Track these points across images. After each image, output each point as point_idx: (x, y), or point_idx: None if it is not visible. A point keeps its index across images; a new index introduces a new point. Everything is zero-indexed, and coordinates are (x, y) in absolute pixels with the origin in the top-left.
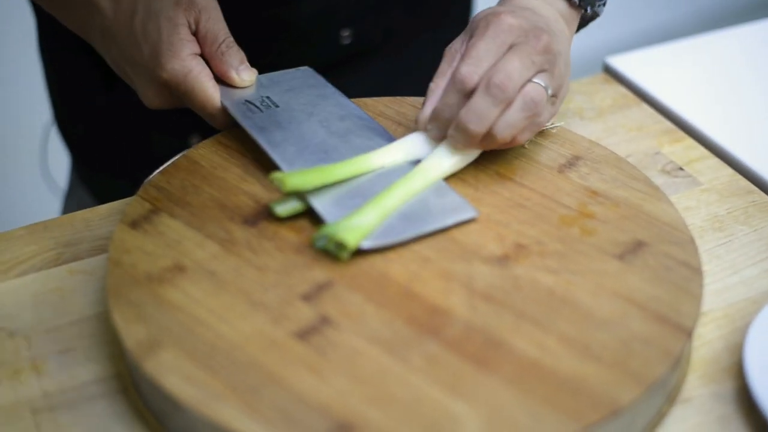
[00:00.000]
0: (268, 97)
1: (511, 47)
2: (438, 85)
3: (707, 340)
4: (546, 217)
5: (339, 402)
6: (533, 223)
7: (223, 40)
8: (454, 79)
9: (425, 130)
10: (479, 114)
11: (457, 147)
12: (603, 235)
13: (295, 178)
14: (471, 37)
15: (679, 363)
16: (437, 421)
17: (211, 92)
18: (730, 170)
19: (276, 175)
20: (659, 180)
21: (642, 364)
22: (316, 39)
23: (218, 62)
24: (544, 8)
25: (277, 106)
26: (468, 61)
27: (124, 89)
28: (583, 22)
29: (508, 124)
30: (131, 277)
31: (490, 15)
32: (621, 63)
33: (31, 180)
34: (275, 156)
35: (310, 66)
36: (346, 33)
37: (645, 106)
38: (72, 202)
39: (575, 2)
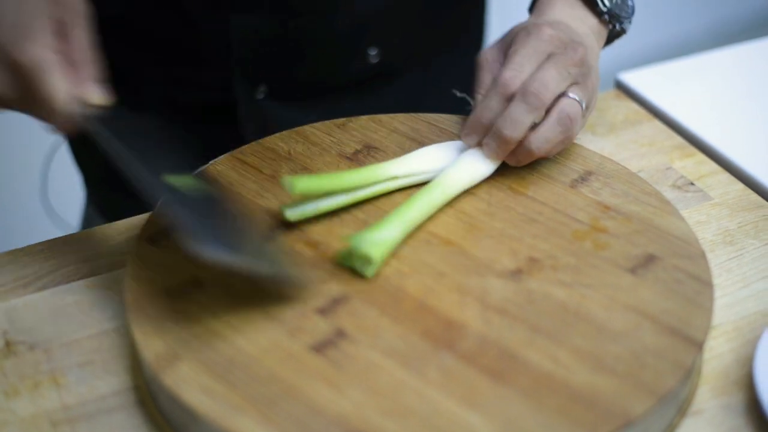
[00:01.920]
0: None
1: (549, 57)
2: (481, 94)
3: (718, 353)
4: (559, 232)
5: (355, 414)
6: (546, 237)
7: (90, 51)
8: (496, 84)
9: (467, 136)
10: (514, 120)
11: (490, 156)
12: (615, 249)
13: (305, 182)
14: (510, 45)
15: (690, 375)
16: None
17: (62, 86)
18: (740, 185)
19: (286, 178)
20: (670, 195)
21: (654, 376)
22: (345, 56)
23: (80, 69)
24: (577, 24)
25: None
26: (510, 66)
27: (144, 114)
28: (610, 38)
29: (545, 139)
30: (150, 292)
31: (531, 26)
32: (633, 79)
33: (30, 208)
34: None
35: (338, 83)
36: (374, 52)
37: (656, 122)
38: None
39: (605, 18)
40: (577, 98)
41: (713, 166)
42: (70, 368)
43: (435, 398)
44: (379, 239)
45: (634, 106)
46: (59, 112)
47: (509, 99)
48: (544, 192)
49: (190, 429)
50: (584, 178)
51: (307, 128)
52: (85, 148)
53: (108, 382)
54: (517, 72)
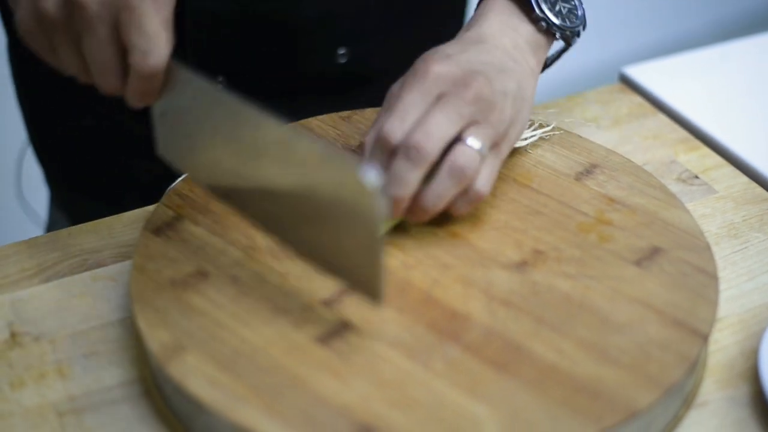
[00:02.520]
0: None
1: (438, 98)
2: (369, 139)
3: (723, 345)
4: (563, 224)
5: (361, 405)
6: (551, 229)
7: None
8: (378, 135)
9: None
10: (398, 178)
11: (387, 214)
12: (620, 242)
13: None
14: (402, 86)
15: (695, 368)
16: (458, 424)
17: (155, 17)
18: (745, 178)
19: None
20: (675, 188)
21: (659, 368)
22: (310, 52)
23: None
24: (503, 37)
25: None
26: (392, 114)
27: (106, 108)
28: (559, 51)
29: (436, 195)
30: (155, 283)
31: (419, 62)
32: (637, 73)
33: (5, 204)
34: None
35: (309, 83)
36: (342, 51)
37: (661, 115)
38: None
39: (542, 26)
40: (472, 144)
41: (718, 159)
42: (76, 359)
43: (440, 389)
44: None
45: (639, 100)
46: (155, 70)
47: (392, 153)
48: (549, 184)
49: (195, 420)
50: (589, 170)
51: (312, 121)
52: (48, 146)
53: (113, 373)
54: (399, 122)
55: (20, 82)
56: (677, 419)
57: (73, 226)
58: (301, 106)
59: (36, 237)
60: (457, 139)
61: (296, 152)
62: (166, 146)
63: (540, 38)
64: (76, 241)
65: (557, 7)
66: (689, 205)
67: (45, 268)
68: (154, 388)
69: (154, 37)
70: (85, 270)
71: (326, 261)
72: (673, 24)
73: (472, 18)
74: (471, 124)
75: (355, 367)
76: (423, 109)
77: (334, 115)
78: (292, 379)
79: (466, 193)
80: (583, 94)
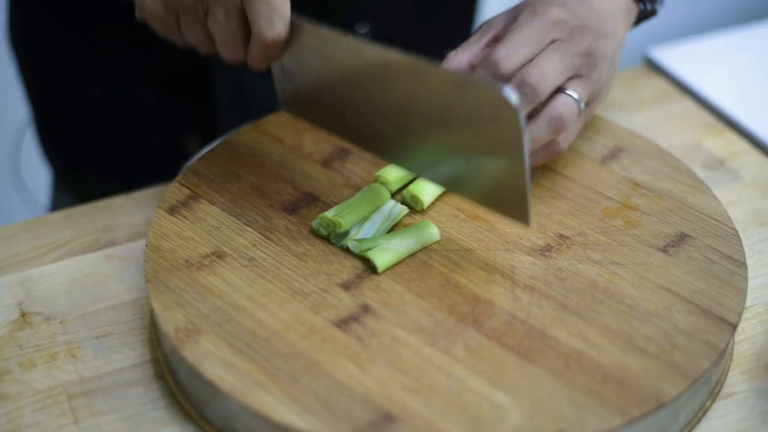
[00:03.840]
0: None
1: (552, 42)
2: (457, 55)
3: (749, 335)
4: (588, 209)
5: (380, 391)
6: (576, 214)
7: None
8: (488, 60)
9: None
10: None
11: None
12: (646, 228)
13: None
14: (514, 20)
15: (722, 357)
16: (479, 411)
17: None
18: None
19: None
20: (700, 174)
21: (686, 357)
22: (334, 24)
23: None
24: (603, 1)
25: None
26: (507, 43)
27: (114, 83)
28: (639, 19)
29: (531, 139)
30: (170, 263)
31: (540, 2)
32: (663, 55)
33: (1, 189)
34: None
35: None
36: (364, 30)
37: (686, 99)
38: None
39: None
40: (575, 96)
41: (744, 145)
42: (87, 340)
43: (461, 376)
44: (388, 248)
45: (663, 83)
46: (274, 15)
47: (501, 80)
48: (574, 168)
49: (210, 404)
50: (614, 154)
51: None
52: (53, 120)
53: (126, 355)
54: (513, 51)
55: (24, 56)
56: (703, 410)
57: (86, 205)
58: None
59: (48, 215)
60: (560, 89)
61: (429, 80)
62: (287, 101)
63: (631, 6)
64: (89, 219)
65: None
66: (714, 192)
67: (57, 246)
68: (167, 370)
69: (278, 5)
70: (98, 249)
71: (468, 187)
72: (698, 4)
73: None
74: (575, 76)
75: (373, 352)
76: (537, 49)
77: None
78: (309, 363)
79: (548, 144)
80: None
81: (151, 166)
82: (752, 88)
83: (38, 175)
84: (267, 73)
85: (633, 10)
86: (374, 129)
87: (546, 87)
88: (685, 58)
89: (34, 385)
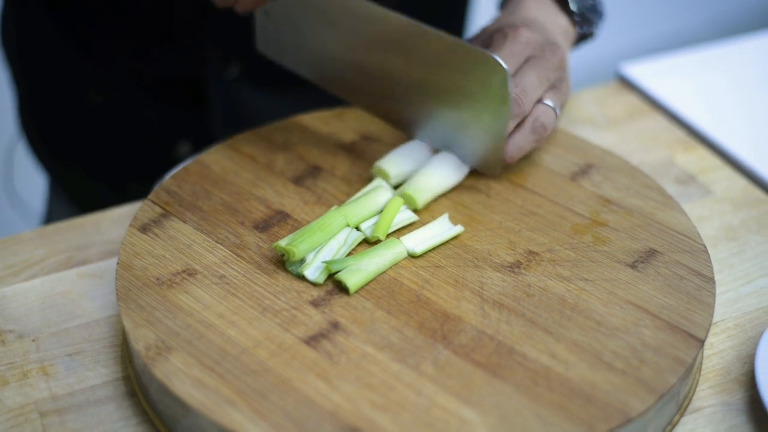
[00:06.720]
0: None
1: (527, 60)
2: None
3: (719, 349)
4: (558, 225)
5: (348, 408)
6: (545, 230)
7: None
8: None
9: None
10: None
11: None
12: (616, 244)
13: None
14: (487, 45)
15: (690, 372)
16: (447, 427)
17: None
18: (743, 180)
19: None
20: (672, 189)
21: (654, 372)
22: None
23: None
24: (548, 22)
25: None
26: None
27: (109, 88)
28: (577, 40)
29: (518, 147)
30: (141, 281)
31: (507, 27)
32: (634, 72)
33: None
34: None
35: None
36: None
37: (658, 115)
38: (53, 213)
39: (576, 19)
40: (551, 105)
41: (715, 161)
42: (60, 358)
43: (429, 393)
44: (357, 268)
45: (635, 99)
46: None
47: None
48: (544, 184)
49: (180, 421)
50: (585, 170)
51: (304, 118)
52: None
53: (97, 373)
54: None
55: (19, 59)
56: (671, 425)
57: (60, 222)
58: (311, 89)
59: (21, 233)
60: (539, 100)
61: (425, 42)
62: (266, 43)
63: (570, 29)
64: (63, 237)
65: (586, 2)
66: (686, 207)
67: (30, 264)
68: (139, 388)
69: None
70: (71, 267)
71: (448, 140)
72: (670, 20)
73: (507, 6)
74: (551, 88)
75: (342, 369)
76: (515, 66)
77: (325, 113)
78: (278, 381)
79: (534, 148)
80: (578, 92)
81: (145, 173)
82: (724, 104)
83: (32, 186)
84: (261, 84)
85: (572, 33)
86: (358, 83)
87: (528, 102)
88: (656, 75)
89: (7, 402)
